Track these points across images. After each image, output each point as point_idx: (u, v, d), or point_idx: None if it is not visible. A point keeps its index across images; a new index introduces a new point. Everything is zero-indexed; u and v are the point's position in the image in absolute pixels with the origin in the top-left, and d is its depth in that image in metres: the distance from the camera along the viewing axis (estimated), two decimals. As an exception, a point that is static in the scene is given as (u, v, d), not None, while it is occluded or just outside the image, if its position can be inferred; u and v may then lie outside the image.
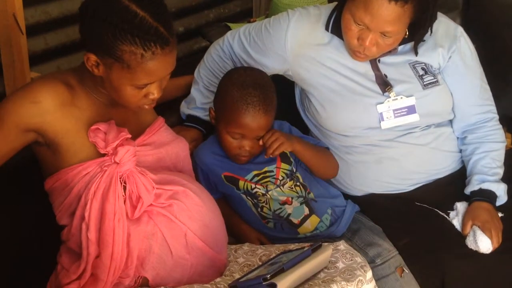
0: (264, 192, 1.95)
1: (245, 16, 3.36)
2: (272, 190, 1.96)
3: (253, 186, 1.95)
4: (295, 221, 1.94)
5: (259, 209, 1.95)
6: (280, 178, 1.97)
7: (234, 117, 1.87)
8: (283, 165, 1.99)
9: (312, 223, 1.95)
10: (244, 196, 1.96)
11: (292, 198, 1.96)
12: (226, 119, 1.90)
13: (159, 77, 1.61)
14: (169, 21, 1.59)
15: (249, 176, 1.96)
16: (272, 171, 1.97)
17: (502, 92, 2.44)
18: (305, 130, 2.15)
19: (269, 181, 1.96)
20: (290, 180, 1.98)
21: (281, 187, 1.97)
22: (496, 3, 2.67)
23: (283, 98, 2.04)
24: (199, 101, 2.14)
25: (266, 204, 1.95)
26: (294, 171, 2.01)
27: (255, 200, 1.96)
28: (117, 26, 1.52)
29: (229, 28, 2.80)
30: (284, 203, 1.95)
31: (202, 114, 2.13)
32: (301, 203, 1.96)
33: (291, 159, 2.02)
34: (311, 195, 2.00)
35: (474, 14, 2.67)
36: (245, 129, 1.88)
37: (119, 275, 1.62)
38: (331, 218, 1.97)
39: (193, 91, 2.16)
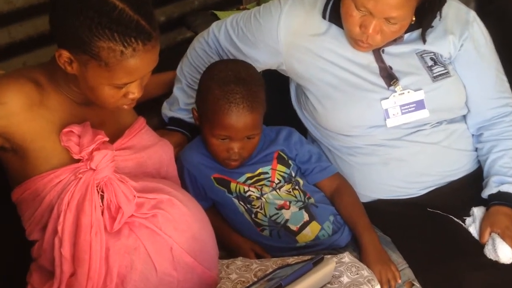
0: (258, 195, 1.98)
1: (234, 3, 3.36)
2: (268, 193, 1.99)
3: (246, 188, 1.98)
4: (294, 227, 1.96)
5: (253, 215, 1.98)
6: (276, 181, 2.01)
7: (217, 118, 1.90)
8: (280, 167, 2.03)
9: (312, 230, 1.97)
10: (236, 200, 1.99)
11: (290, 202, 1.99)
12: (210, 121, 1.93)
13: (140, 75, 1.62)
14: (151, 12, 1.60)
15: (241, 179, 1.99)
16: (266, 173, 2.01)
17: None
18: (302, 130, 2.18)
19: (264, 184, 1.99)
20: (287, 184, 2.01)
21: (277, 190, 2.00)
22: (515, -17, 2.68)
23: (276, 95, 2.07)
24: (182, 102, 2.16)
25: (261, 209, 1.97)
26: (293, 175, 2.04)
27: (248, 206, 1.98)
28: (94, 19, 1.53)
29: (216, 17, 2.83)
30: (281, 207, 1.98)
31: (187, 116, 2.16)
32: (300, 208, 1.99)
33: (290, 162, 2.05)
34: (312, 200, 2.02)
35: (490, -4, 2.69)
36: (230, 130, 1.91)
37: (97, 295, 1.62)
38: (333, 226, 2.00)
39: (176, 90, 2.18)
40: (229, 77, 1.92)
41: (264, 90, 1.98)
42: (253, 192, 1.98)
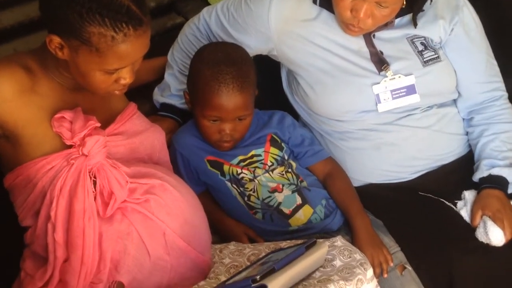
0: (251, 177, 1.99)
1: (224, -12, 3.34)
2: (261, 176, 1.99)
3: (239, 170, 1.99)
4: (286, 211, 1.97)
5: (245, 198, 1.98)
6: (269, 163, 2.02)
7: (207, 99, 1.91)
8: (273, 150, 2.04)
9: (305, 214, 1.98)
10: (229, 183, 1.99)
11: (282, 185, 2.00)
12: (201, 102, 1.94)
13: (131, 61, 1.62)
14: None
15: (234, 161, 2.00)
16: (259, 155, 2.02)
17: (513, 68, 2.46)
18: (294, 116, 2.18)
19: (256, 166, 2.00)
20: (280, 166, 2.03)
21: (270, 172, 2.01)
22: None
23: (267, 81, 2.07)
24: (174, 88, 2.16)
25: (254, 192, 1.98)
26: (286, 158, 2.05)
27: (241, 188, 1.99)
28: (84, 5, 1.53)
29: (206, 3, 2.80)
30: (274, 190, 1.99)
31: (178, 102, 2.16)
32: (292, 191, 2.00)
33: (283, 145, 2.06)
34: (304, 184, 2.03)
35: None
36: (221, 111, 1.92)
37: (90, 281, 1.63)
38: (325, 210, 2.01)
39: (167, 76, 2.19)
40: (219, 58, 1.93)
41: (255, 71, 1.98)
42: (246, 174, 1.99)
